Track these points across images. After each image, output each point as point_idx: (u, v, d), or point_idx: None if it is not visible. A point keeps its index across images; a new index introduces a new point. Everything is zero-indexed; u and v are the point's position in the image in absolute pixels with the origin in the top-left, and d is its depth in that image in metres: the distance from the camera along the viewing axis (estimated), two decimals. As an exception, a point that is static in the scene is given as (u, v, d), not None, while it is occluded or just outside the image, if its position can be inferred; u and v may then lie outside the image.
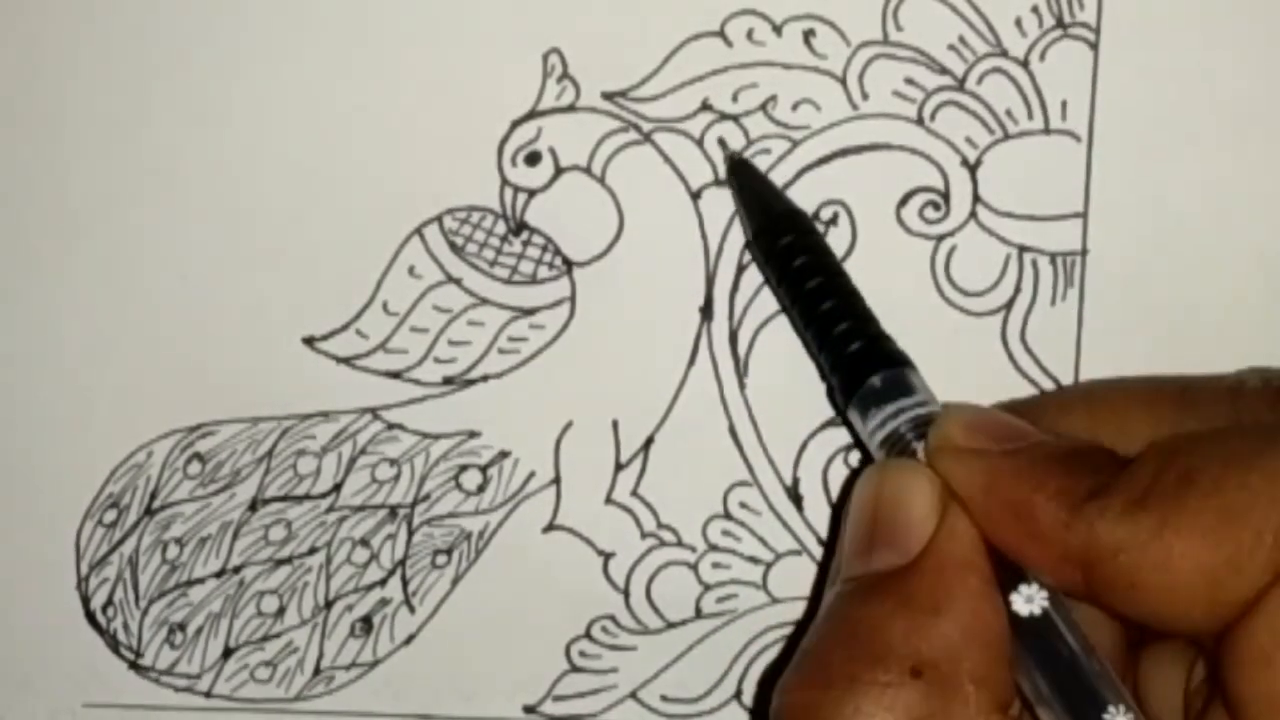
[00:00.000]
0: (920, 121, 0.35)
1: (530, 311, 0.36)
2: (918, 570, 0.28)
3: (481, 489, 0.37)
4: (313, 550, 0.37)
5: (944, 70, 0.35)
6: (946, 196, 0.35)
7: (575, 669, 0.37)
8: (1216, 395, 0.30)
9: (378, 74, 0.36)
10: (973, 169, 0.35)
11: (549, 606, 0.37)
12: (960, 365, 0.36)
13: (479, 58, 0.36)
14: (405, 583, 0.37)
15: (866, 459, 0.32)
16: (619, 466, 0.36)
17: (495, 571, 0.37)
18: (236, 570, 0.37)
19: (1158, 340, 0.36)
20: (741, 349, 0.36)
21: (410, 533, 0.37)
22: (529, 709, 0.37)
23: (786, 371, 0.36)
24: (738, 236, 0.36)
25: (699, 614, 0.37)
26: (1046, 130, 0.35)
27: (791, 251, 0.33)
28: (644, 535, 0.37)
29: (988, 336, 0.36)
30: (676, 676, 0.37)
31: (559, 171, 0.36)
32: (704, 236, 0.36)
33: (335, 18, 0.36)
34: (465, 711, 0.37)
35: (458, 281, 0.36)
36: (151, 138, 0.36)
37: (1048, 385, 0.36)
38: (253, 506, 0.37)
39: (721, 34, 0.35)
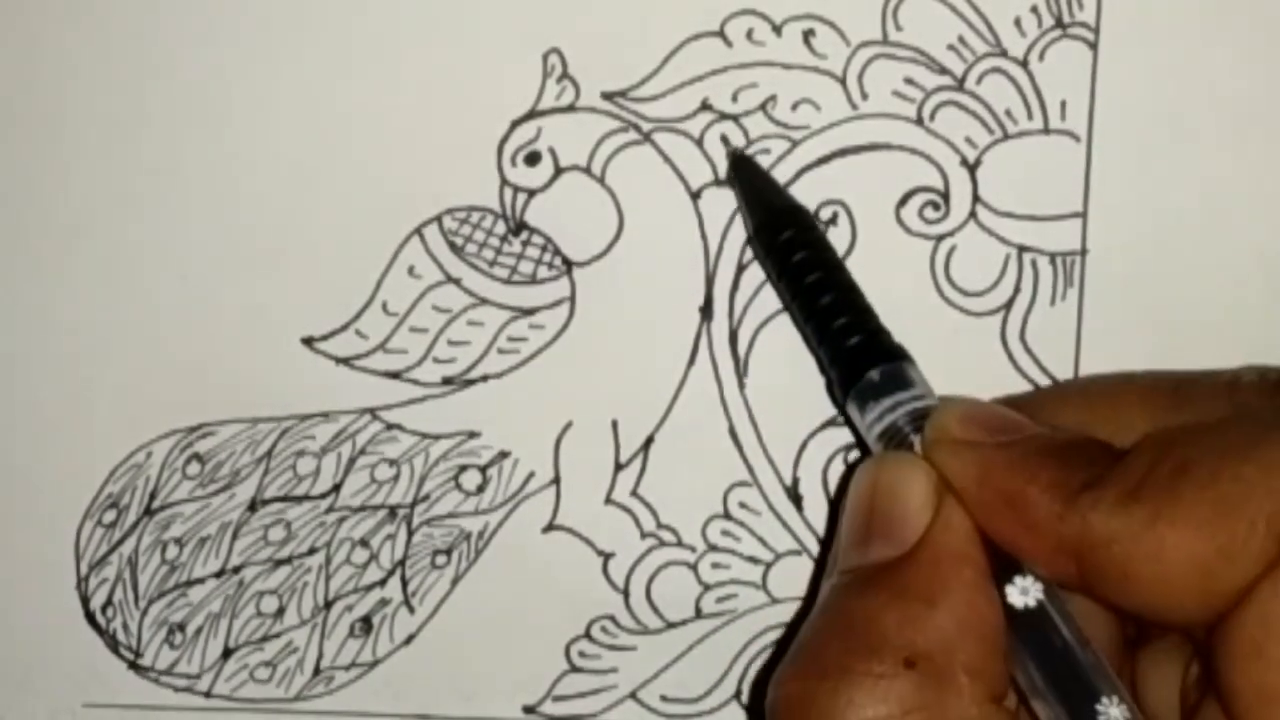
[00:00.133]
0: (920, 121, 0.35)
1: (530, 311, 0.36)
2: (913, 562, 0.28)
3: (481, 489, 0.37)
4: (312, 550, 0.37)
5: (943, 70, 0.35)
6: (946, 196, 0.36)
7: (575, 669, 0.37)
8: (1213, 389, 0.30)
9: (378, 74, 0.36)
10: (972, 169, 0.36)
11: (549, 606, 0.37)
12: (960, 365, 0.36)
13: (479, 58, 0.36)
14: (405, 583, 0.37)
15: (865, 454, 0.32)
16: (619, 466, 0.37)
17: (495, 571, 0.37)
18: (236, 570, 0.37)
19: (1158, 340, 0.36)
20: (741, 349, 0.36)
21: (410, 533, 0.37)
22: (529, 709, 0.37)
23: (786, 371, 0.36)
24: (737, 236, 0.36)
25: (699, 614, 0.37)
26: (1046, 130, 0.35)
27: (792, 246, 0.34)
28: (644, 535, 0.37)
29: (987, 336, 0.36)
30: (676, 676, 0.37)
31: (559, 171, 0.36)
32: (704, 236, 0.36)
33: (335, 18, 0.36)
34: (465, 711, 0.37)
35: (457, 281, 0.36)
36: (151, 138, 0.36)
37: (1047, 385, 0.36)
38: (252, 507, 0.37)
39: (721, 34, 0.35)
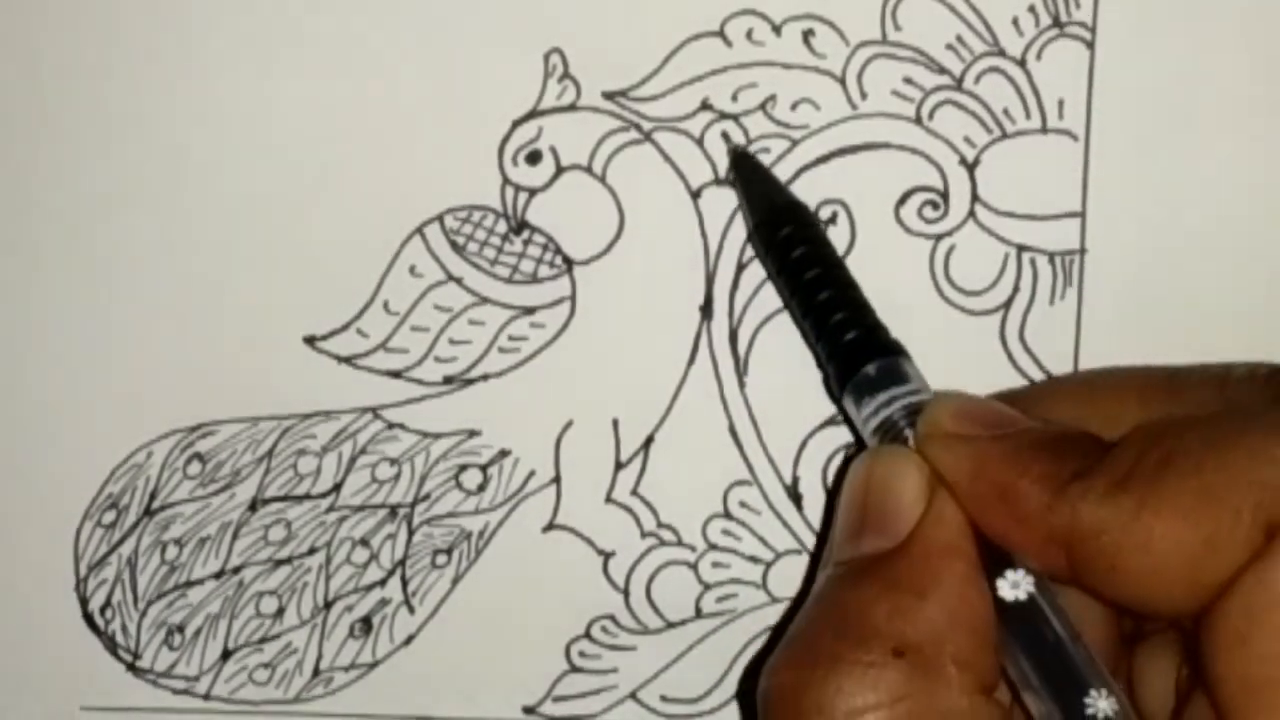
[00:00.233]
0: (919, 121, 0.36)
1: (530, 310, 0.36)
2: (904, 554, 0.29)
3: (481, 488, 0.37)
4: (312, 550, 0.37)
5: (942, 70, 0.36)
6: (945, 195, 0.36)
7: (575, 669, 0.37)
8: (1205, 383, 0.30)
9: (379, 74, 0.36)
10: (971, 168, 0.36)
11: (549, 606, 0.37)
12: (959, 364, 0.36)
13: (480, 58, 0.36)
14: (405, 583, 0.37)
15: (862, 447, 0.32)
16: (619, 466, 0.37)
17: (495, 571, 0.37)
18: (236, 571, 0.38)
19: (1157, 339, 0.36)
20: (741, 348, 0.36)
21: (410, 532, 0.37)
22: (529, 709, 0.37)
23: (786, 370, 0.36)
24: (738, 235, 0.36)
25: (699, 614, 0.37)
26: (1044, 129, 0.36)
27: (790, 242, 0.34)
28: (644, 535, 0.37)
29: (986, 335, 0.36)
30: (676, 676, 0.37)
31: (560, 171, 0.36)
32: (704, 236, 0.36)
33: (336, 18, 0.36)
34: (465, 712, 0.37)
35: (458, 280, 0.36)
36: (152, 138, 0.37)
37: (1046, 383, 0.36)
38: (252, 506, 0.37)
39: (721, 34, 0.36)
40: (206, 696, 0.38)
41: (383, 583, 0.37)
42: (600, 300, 0.36)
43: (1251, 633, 0.26)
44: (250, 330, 0.37)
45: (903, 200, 0.36)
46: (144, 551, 0.38)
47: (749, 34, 0.36)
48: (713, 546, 0.37)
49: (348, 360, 0.37)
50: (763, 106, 0.36)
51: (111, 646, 0.38)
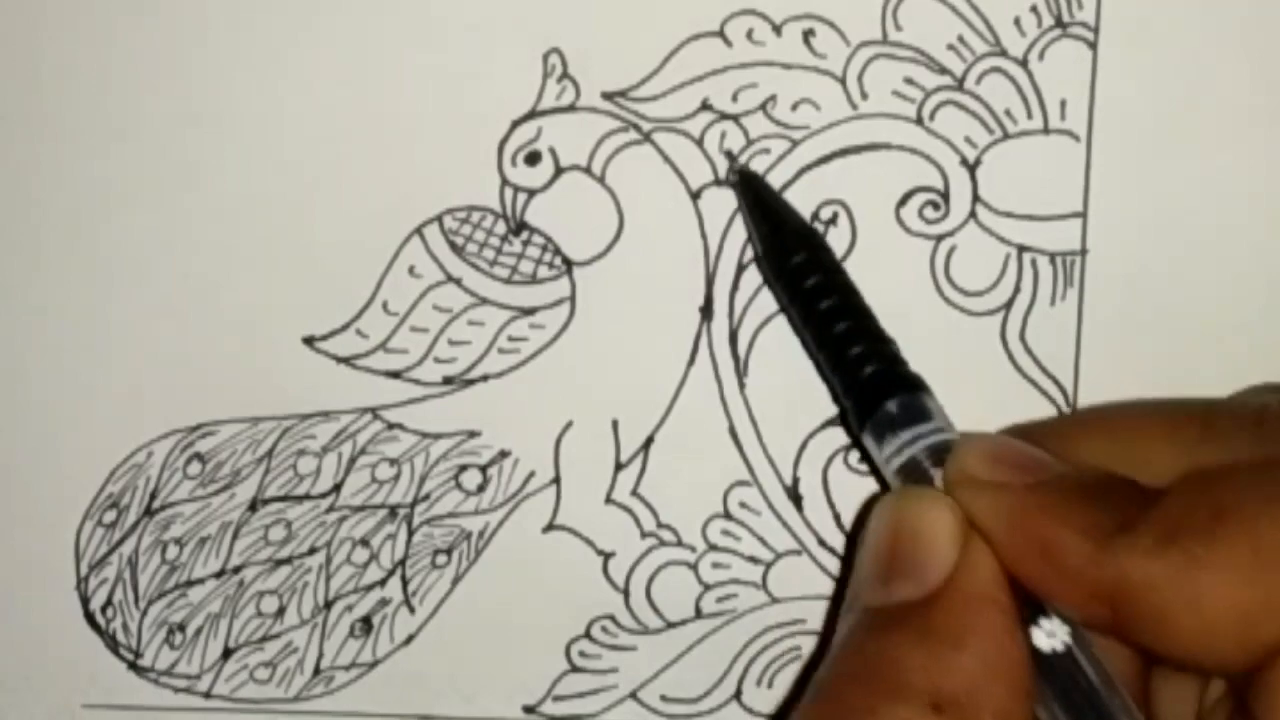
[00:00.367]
0: (920, 121, 0.36)
1: (530, 311, 0.37)
2: (938, 603, 0.28)
3: (481, 489, 0.37)
4: (313, 550, 0.37)
5: (943, 70, 0.36)
6: (946, 196, 0.36)
7: (575, 669, 0.37)
8: (1239, 421, 0.29)
9: (378, 74, 0.36)
10: (972, 168, 0.36)
11: (549, 606, 0.37)
12: (960, 365, 0.36)
13: (479, 58, 0.36)
14: (405, 583, 0.37)
15: (879, 479, 0.32)
16: (619, 466, 0.37)
17: (495, 571, 0.37)
18: (236, 570, 0.38)
19: (1158, 340, 0.36)
20: (741, 349, 0.36)
21: (410, 533, 0.37)
22: (529, 709, 0.37)
23: (786, 371, 0.36)
24: (737, 236, 0.36)
25: (699, 614, 0.37)
26: (1046, 130, 0.36)
27: (803, 271, 0.33)
28: (644, 535, 0.37)
29: (987, 336, 0.36)
30: (676, 676, 0.37)
31: (559, 171, 0.36)
32: (704, 236, 0.36)
33: (336, 18, 0.36)
34: (465, 712, 0.38)
35: (458, 281, 0.36)
36: (152, 138, 0.37)
37: (1047, 385, 0.36)
38: (253, 506, 0.37)
39: (721, 34, 0.36)
40: (207, 695, 0.38)
41: (383, 583, 0.38)
42: (600, 301, 0.37)
43: None
44: (250, 330, 0.37)
45: (903, 201, 0.36)
46: (144, 551, 0.38)
47: (749, 34, 0.36)
48: (713, 547, 0.37)
49: (347, 361, 0.37)
50: (763, 107, 0.36)
51: (113, 645, 0.38)
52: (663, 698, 0.38)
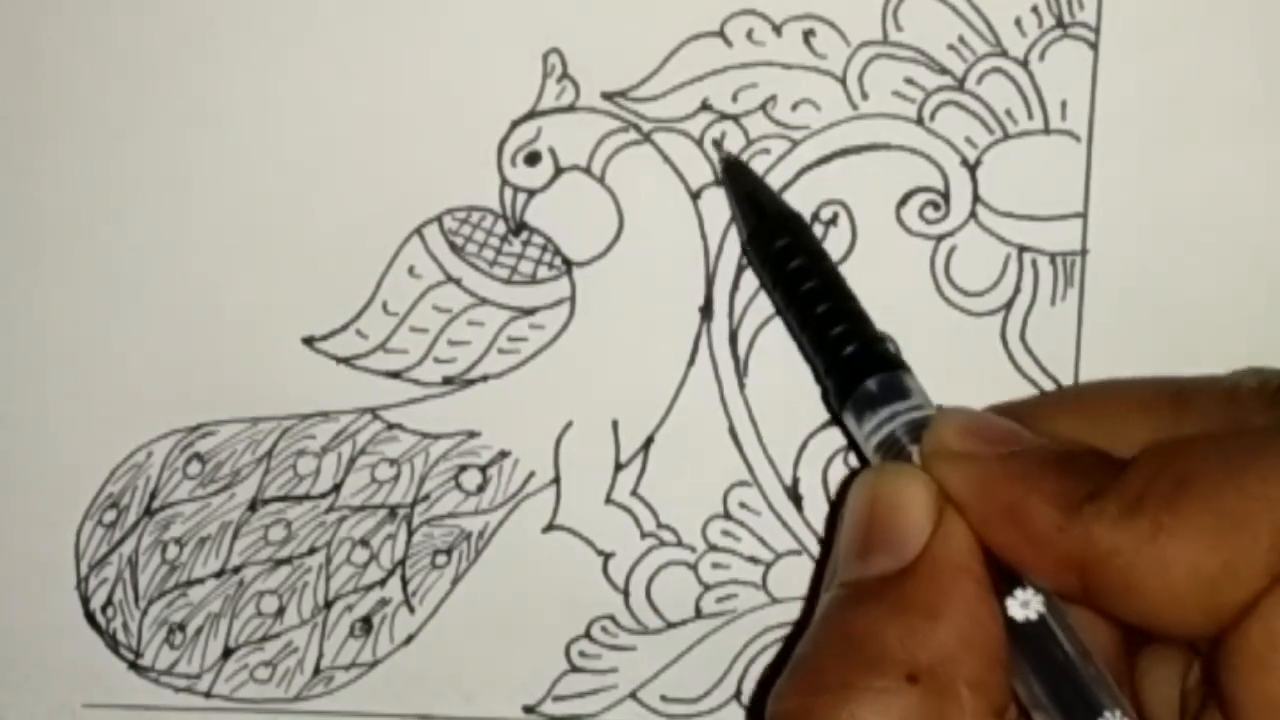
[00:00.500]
0: (920, 121, 0.36)
1: (530, 311, 0.37)
2: (913, 575, 0.29)
3: (481, 489, 0.37)
4: (312, 550, 0.38)
5: (944, 70, 0.36)
6: (946, 196, 0.36)
7: (575, 669, 0.37)
8: (1213, 397, 0.30)
9: (378, 74, 0.36)
10: (972, 169, 0.36)
11: (549, 606, 0.37)
12: (960, 365, 0.36)
13: (479, 58, 0.36)
14: (405, 583, 0.37)
15: (863, 461, 0.32)
16: (619, 466, 0.37)
17: (495, 571, 0.37)
18: (236, 570, 0.38)
19: (1158, 340, 0.36)
20: (741, 349, 0.36)
21: (410, 533, 0.37)
22: (529, 709, 0.38)
23: (786, 371, 0.36)
24: (737, 236, 0.36)
25: (699, 614, 0.37)
26: (1046, 130, 0.36)
27: (786, 254, 0.34)
28: (644, 535, 0.37)
29: (987, 336, 0.36)
30: (676, 676, 0.38)
31: (559, 171, 0.36)
32: (704, 236, 0.36)
33: (335, 18, 0.36)
34: (465, 711, 0.38)
35: (457, 281, 0.37)
36: (152, 138, 0.37)
37: (1047, 385, 0.36)
38: (252, 506, 0.38)
39: (721, 34, 0.36)
40: (208, 694, 0.38)
41: (383, 583, 0.38)
42: (600, 301, 0.37)
43: (1272, 656, 0.26)
44: (250, 330, 0.37)
45: (904, 201, 0.36)
46: (144, 551, 0.38)
47: (749, 34, 0.36)
48: (712, 547, 0.37)
49: (347, 361, 0.37)
50: (763, 107, 0.36)
51: (113, 645, 0.38)
52: (663, 698, 0.38)
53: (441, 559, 0.38)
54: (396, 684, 0.38)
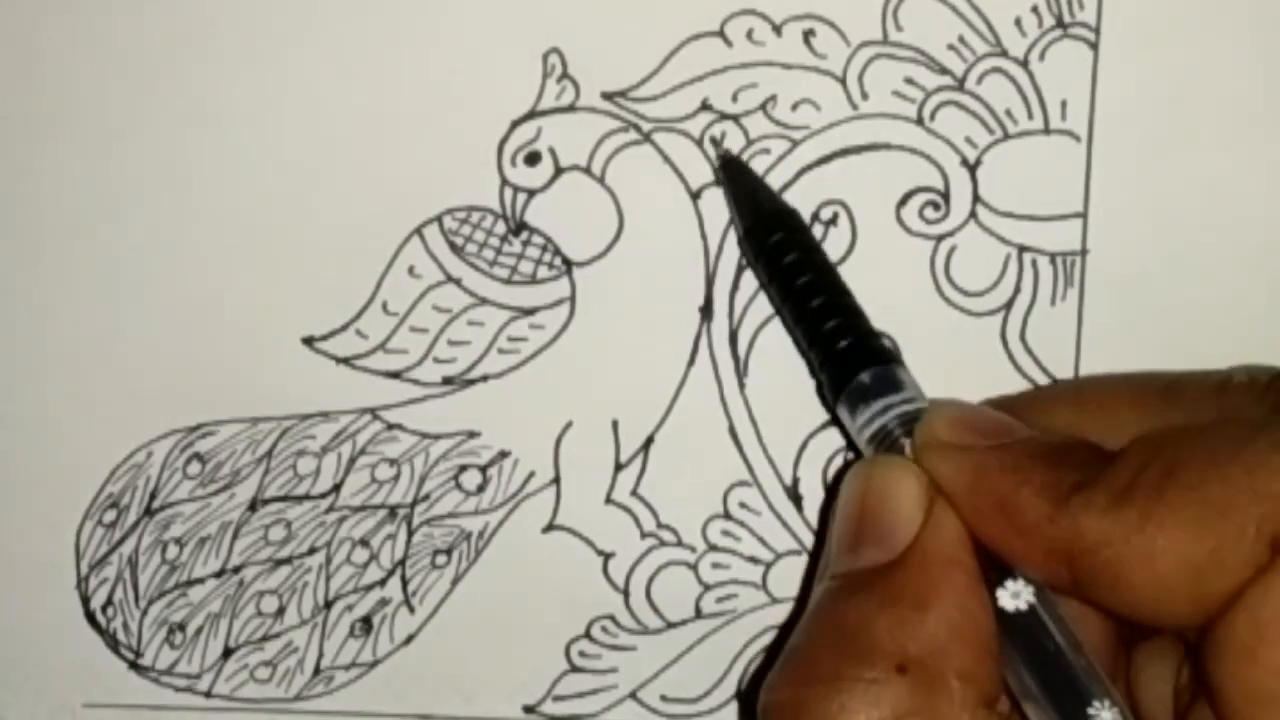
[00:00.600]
0: (920, 121, 0.36)
1: (530, 311, 0.37)
2: (904, 566, 0.29)
3: (481, 489, 0.37)
4: (312, 550, 0.38)
5: (944, 70, 0.36)
6: (946, 196, 0.36)
7: (575, 669, 0.38)
8: (1203, 390, 0.30)
9: (378, 74, 0.36)
10: (972, 169, 0.36)
11: (549, 606, 0.37)
12: (960, 365, 0.36)
13: (479, 58, 0.36)
14: (405, 583, 0.38)
15: (857, 455, 0.33)
16: (619, 466, 0.37)
17: (495, 571, 0.38)
18: (236, 570, 0.38)
19: (1158, 340, 0.36)
20: (741, 349, 0.37)
21: (410, 533, 0.37)
22: (529, 709, 0.38)
23: (786, 371, 0.36)
24: (735, 234, 0.36)
25: (699, 614, 0.37)
26: (1046, 130, 0.36)
27: (781, 249, 0.34)
28: (644, 535, 0.37)
29: (987, 336, 0.36)
30: (676, 676, 0.38)
31: (559, 171, 0.36)
32: (704, 236, 0.36)
33: (335, 18, 0.36)
34: (465, 711, 0.38)
35: (457, 281, 0.37)
36: (152, 138, 0.37)
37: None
38: (252, 506, 0.38)
39: (721, 34, 0.36)
40: (208, 694, 0.38)
41: (383, 583, 0.38)
42: (600, 301, 0.37)
43: (1257, 646, 0.26)
44: (250, 330, 0.37)
45: (904, 201, 0.36)
46: (145, 550, 0.38)
47: (749, 34, 0.36)
48: (712, 547, 0.37)
49: (347, 361, 0.37)
50: (763, 107, 0.36)
51: (113, 644, 0.38)
52: (663, 698, 0.38)
53: (441, 559, 0.38)
54: (396, 684, 0.38)
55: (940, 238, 0.36)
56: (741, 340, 0.37)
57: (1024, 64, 0.36)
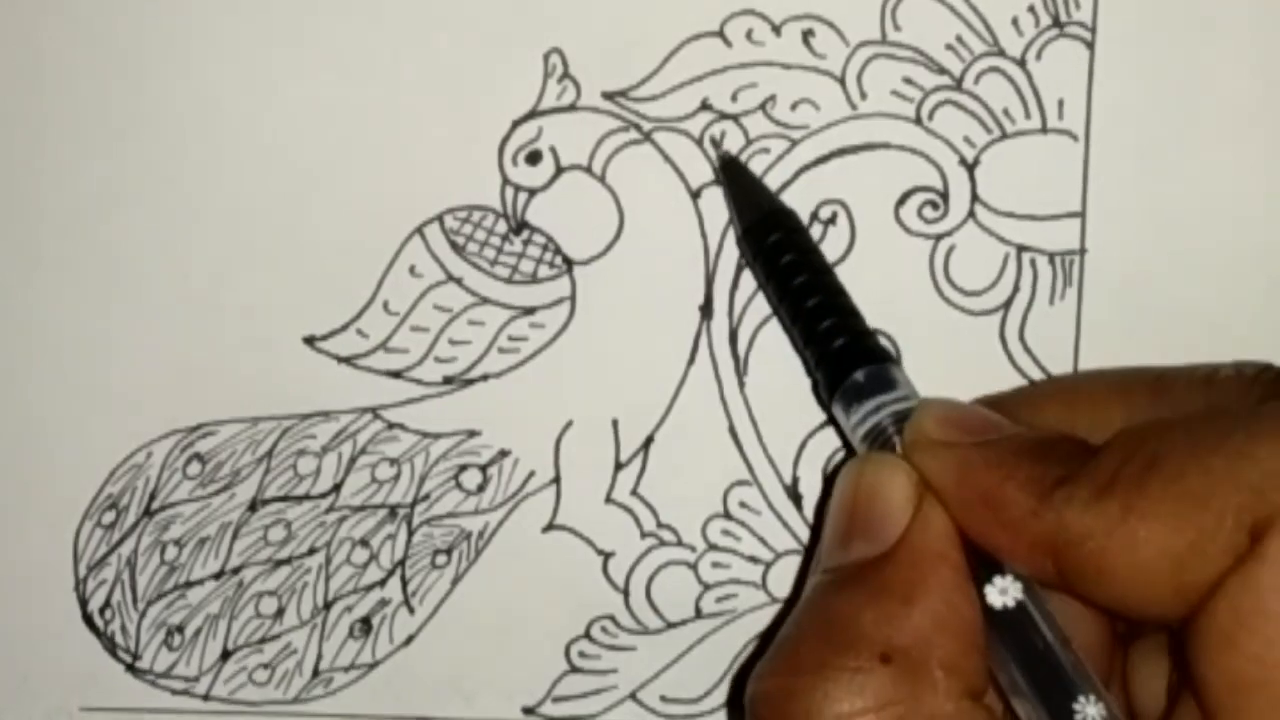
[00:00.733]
0: (918, 121, 0.36)
1: (530, 310, 0.37)
2: (892, 560, 0.29)
3: (481, 488, 0.37)
4: (312, 551, 0.38)
5: (942, 70, 0.36)
6: (945, 196, 0.36)
7: (575, 669, 0.38)
8: (1190, 384, 0.31)
9: (378, 74, 0.37)
10: (971, 168, 0.36)
11: (549, 606, 0.38)
12: (958, 364, 0.36)
13: (480, 58, 0.36)
14: (405, 583, 0.38)
15: (852, 454, 0.33)
16: (619, 466, 0.37)
17: (495, 571, 0.38)
18: (235, 571, 0.38)
19: (1156, 339, 0.37)
20: (741, 348, 0.37)
21: (410, 533, 0.38)
22: (529, 710, 0.38)
23: (786, 371, 0.37)
24: (734, 233, 0.36)
25: (699, 614, 0.38)
26: (1044, 129, 0.36)
27: (779, 249, 0.35)
28: (644, 535, 0.37)
29: (986, 335, 0.37)
30: (676, 677, 0.38)
31: (559, 171, 0.37)
32: (704, 236, 0.37)
33: (336, 18, 0.36)
34: (465, 712, 0.38)
35: (458, 281, 0.37)
36: (152, 138, 0.37)
37: (1046, 384, 0.37)
38: (252, 507, 0.38)
39: (721, 34, 0.36)
40: (206, 697, 0.38)
41: (383, 583, 0.38)
42: (600, 300, 0.37)
43: (1238, 635, 0.26)
44: (250, 330, 0.37)
45: (902, 200, 0.37)
46: (143, 552, 0.38)
47: (749, 34, 0.36)
48: (712, 546, 0.37)
49: (348, 360, 0.37)
50: (762, 107, 0.36)
51: (111, 647, 0.38)
52: (663, 698, 0.38)
53: (441, 559, 0.38)
54: (396, 685, 0.38)
55: (939, 237, 0.37)
56: (741, 339, 0.37)
57: (1021, 63, 0.36)
